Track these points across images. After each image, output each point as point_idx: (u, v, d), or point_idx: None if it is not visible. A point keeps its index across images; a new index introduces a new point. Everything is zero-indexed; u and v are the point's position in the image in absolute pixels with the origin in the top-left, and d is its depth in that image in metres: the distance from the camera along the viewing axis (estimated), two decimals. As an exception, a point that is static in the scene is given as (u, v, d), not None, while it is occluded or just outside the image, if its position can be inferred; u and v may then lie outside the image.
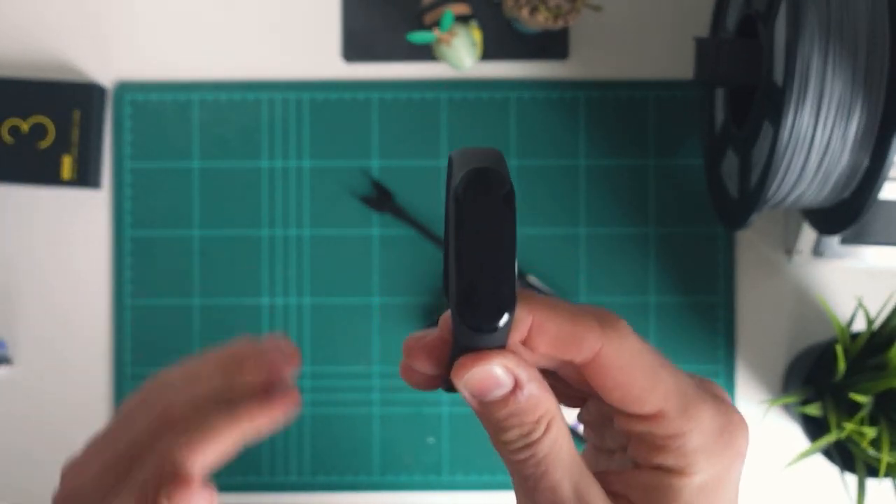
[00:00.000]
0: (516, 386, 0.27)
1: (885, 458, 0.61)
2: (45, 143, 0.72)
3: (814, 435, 0.68)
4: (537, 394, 0.27)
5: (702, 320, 0.73)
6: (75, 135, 0.72)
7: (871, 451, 0.62)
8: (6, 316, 0.74)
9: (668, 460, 0.27)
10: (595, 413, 0.31)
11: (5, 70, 0.75)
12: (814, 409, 0.64)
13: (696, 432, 0.27)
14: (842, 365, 0.62)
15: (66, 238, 0.75)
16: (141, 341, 0.74)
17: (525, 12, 0.67)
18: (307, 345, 0.74)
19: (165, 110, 0.74)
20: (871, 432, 0.61)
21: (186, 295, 0.74)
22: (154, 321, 0.74)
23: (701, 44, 0.61)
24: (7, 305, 0.74)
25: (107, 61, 0.75)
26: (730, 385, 0.73)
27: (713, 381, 0.29)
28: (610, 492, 0.28)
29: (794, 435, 0.73)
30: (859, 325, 0.73)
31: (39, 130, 0.72)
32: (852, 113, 0.54)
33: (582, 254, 0.73)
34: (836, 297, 0.74)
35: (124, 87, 0.74)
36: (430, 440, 0.73)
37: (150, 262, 0.74)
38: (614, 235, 0.74)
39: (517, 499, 0.29)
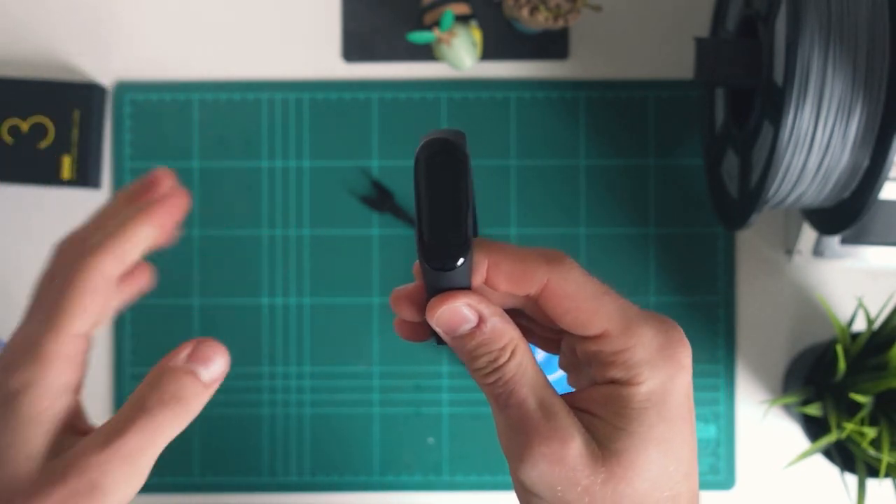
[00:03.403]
0: (481, 320, 0.31)
1: (886, 458, 0.61)
2: (44, 143, 0.72)
3: (814, 435, 0.68)
4: (500, 325, 0.32)
5: (702, 320, 0.73)
6: (75, 135, 0.72)
7: (872, 452, 0.62)
8: (6, 316, 0.74)
9: (618, 373, 0.31)
10: (568, 355, 0.35)
11: (5, 70, 0.75)
12: (814, 410, 0.64)
13: (638, 347, 0.31)
14: (842, 365, 0.62)
15: (65, 238, 0.75)
16: (141, 341, 0.74)
17: (525, 12, 0.67)
18: (307, 345, 0.74)
19: (165, 110, 0.74)
20: (871, 432, 0.61)
21: (186, 295, 0.74)
22: (154, 321, 0.74)
23: (701, 44, 0.61)
24: (7, 305, 0.74)
25: (107, 61, 0.75)
26: (730, 385, 0.73)
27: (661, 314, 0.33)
28: (574, 408, 0.32)
29: (794, 435, 0.73)
30: (859, 326, 0.73)
31: (39, 130, 0.72)
32: (852, 113, 0.54)
33: (582, 254, 0.73)
34: (837, 297, 0.74)
35: (124, 87, 0.74)
36: (430, 440, 0.73)
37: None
38: (614, 235, 0.74)
39: (495, 421, 0.33)
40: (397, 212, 0.73)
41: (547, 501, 0.31)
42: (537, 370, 0.32)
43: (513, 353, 0.32)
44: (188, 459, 0.73)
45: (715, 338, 0.73)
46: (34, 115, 0.72)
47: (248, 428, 0.74)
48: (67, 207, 0.74)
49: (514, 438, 0.32)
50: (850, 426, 0.61)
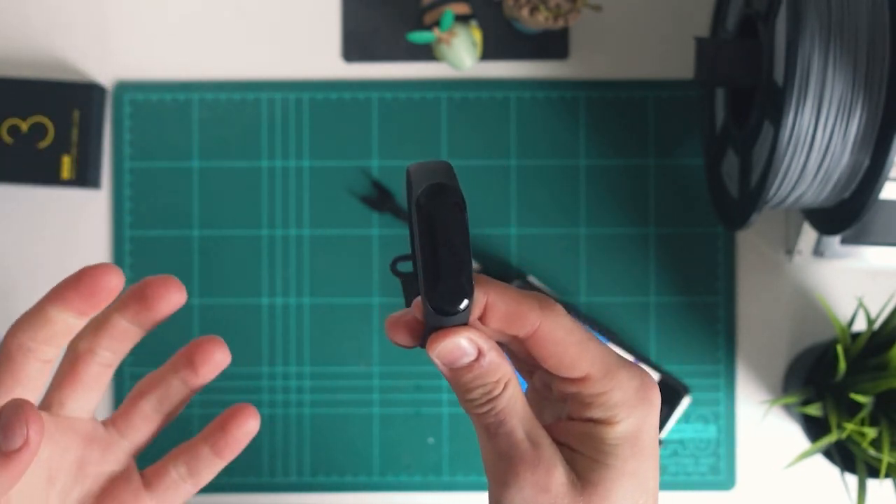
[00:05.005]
0: (479, 354, 0.33)
1: (886, 458, 0.61)
2: (44, 143, 0.72)
3: (814, 435, 0.68)
4: (497, 360, 0.33)
5: (702, 320, 0.73)
6: (75, 135, 0.72)
7: (872, 452, 0.62)
8: (6, 316, 0.74)
9: (596, 413, 0.34)
10: (539, 390, 0.37)
11: (5, 70, 0.75)
12: (814, 410, 0.64)
13: (616, 390, 0.33)
14: (842, 365, 0.62)
15: (65, 238, 0.75)
16: (140, 341, 0.73)
17: (525, 12, 0.67)
18: (307, 345, 0.74)
19: (165, 110, 0.74)
20: (871, 432, 0.61)
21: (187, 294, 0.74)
22: (154, 321, 0.74)
23: (701, 44, 0.61)
24: (7, 305, 0.74)
25: (107, 61, 0.75)
26: (730, 385, 0.73)
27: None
28: (553, 439, 0.34)
29: (794, 435, 0.73)
30: (860, 326, 0.73)
31: (39, 130, 0.72)
32: (853, 113, 0.54)
33: (582, 254, 0.73)
34: (837, 297, 0.74)
35: (124, 87, 0.74)
36: (430, 440, 0.73)
37: (149, 262, 0.73)
38: (614, 235, 0.73)
39: (481, 447, 0.35)
40: (397, 212, 0.73)
41: None
42: (526, 403, 0.34)
43: (506, 386, 0.33)
44: (188, 459, 0.73)
45: (715, 338, 0.73)
46: (34, 115, 0.72)
47: (247, 428, 0.74)
48: (67, 207, 0.74)
49: (499, 464, 0.34)
50: (850, 426, 0.61)
